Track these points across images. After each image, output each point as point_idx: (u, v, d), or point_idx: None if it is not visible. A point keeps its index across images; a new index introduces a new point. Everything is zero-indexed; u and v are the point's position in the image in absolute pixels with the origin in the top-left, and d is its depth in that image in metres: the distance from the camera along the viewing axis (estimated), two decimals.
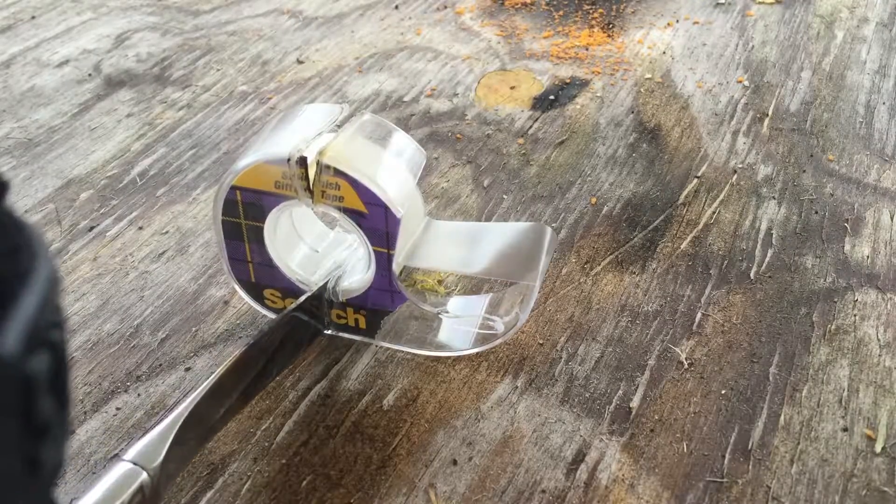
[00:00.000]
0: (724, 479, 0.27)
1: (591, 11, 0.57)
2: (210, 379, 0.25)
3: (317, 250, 0.32)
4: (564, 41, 0.53)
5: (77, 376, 0.31)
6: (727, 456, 0.28)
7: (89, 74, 0.51)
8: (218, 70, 0.51)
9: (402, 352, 0.31)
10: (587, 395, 0.30)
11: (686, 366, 0.31)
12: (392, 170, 0.28)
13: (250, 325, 0.33)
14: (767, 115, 0.46)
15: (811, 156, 0.42)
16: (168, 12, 0.58)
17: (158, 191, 0.41)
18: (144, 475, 0.22)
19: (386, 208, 0.27)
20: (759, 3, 0.58)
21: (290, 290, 0.31)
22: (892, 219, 0.38)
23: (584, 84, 0.49)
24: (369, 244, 0.28)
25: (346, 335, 0.32)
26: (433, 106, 0.47)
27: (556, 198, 0.40)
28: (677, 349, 0.32)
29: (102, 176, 0.42)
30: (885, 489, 0.27)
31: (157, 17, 0.58)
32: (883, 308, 0.33)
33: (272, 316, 0.32)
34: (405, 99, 0.47)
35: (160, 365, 0.31)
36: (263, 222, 0.29)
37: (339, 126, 0.29)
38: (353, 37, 0.55)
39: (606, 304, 0.34)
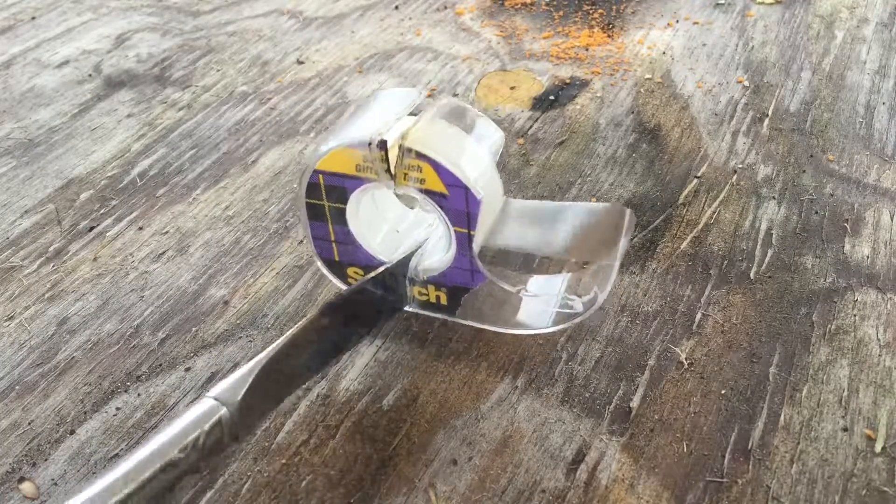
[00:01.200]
0: (724, 479, 0.27)
1: (591, 12, 0.57)
2: (289, 332, 0.26)
3: (397, 230, 0.33)
4: (564, 41, 0.53)
5: (77, 376, 0.31)
6: (727, 456, 0.28)
7: (89, 75, 0.51)
8: (218, 70, 0.51)
9: (484, 329, 0.32)
10: (587, 395, 0.30)
11: (686, 366, 0.31)
12: (472, 152, 0.29)
13: (250, 325, 0.33)
14: (767, 115, 0.46)
15: (811, 156, 0.42)
16: (168, 12, 0.59)
17: (158, 191, 0.41)
18: (224, 410, 0.24)
19: (467, 190, 0.27)
20: (759, 3, 0.58)
21: (373, 268, 0.31)
22: (892, 219, 0.38)
23: (584, 84, 0.49)
24: (450, 225, 0.29)
25: (426, 312, 0.33)
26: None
27: (556, 198, 0.40)
28: (677, 349, 0.32)
29: (102, 176, 0.42)
30: (885, 489, 0.27)
31: (157, 17, 0.58)
32: (883, 308, 0.33)
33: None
34: None
35: (160, 365, 0.31)
36: (345, 204, 0.30)
37: (416, 110, 0.29)
38: (353, 37, 0.55)
39: (606, 304, 0.34)
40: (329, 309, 0.28)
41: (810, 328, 0.33)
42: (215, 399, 0.24)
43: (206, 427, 0.24)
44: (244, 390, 0.25)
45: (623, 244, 0.29)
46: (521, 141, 0.44)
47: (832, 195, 0.40)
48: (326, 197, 0.30)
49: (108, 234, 0.38)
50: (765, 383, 0.30)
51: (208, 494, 0.27)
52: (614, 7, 0.58)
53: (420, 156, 0.27)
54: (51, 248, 0.37)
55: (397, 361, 0.31)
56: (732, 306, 0.33)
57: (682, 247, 0.37)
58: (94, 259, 0.37)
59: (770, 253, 0.36)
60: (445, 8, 0.58)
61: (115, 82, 0.50)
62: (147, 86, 0.50)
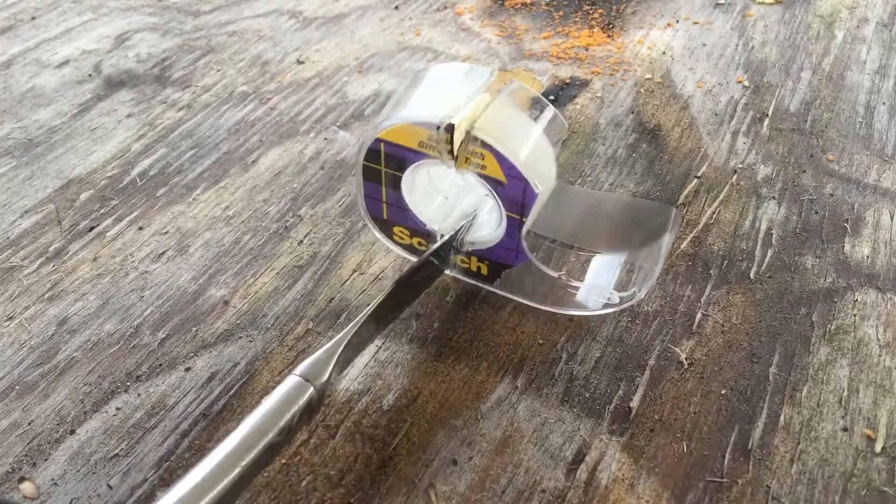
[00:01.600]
0: (724, 479, 0.27)
1: (591, 12, 0.57)
2: (370, 307, 0.28)
3: (447, 196, 0.33)
4: (564, 41, 0.53)
5: (77, 376, 0.31)
6: (727, 456, 0.28)
7: (89, 75, 0.51)
8: (218, 70, 0.51)
9: (517, 302, 0.33)
10: (587, 395, 0.30)
11: (686, 366, 0.31)
12: (535, 143, 0.29)
13: (250, 325, 0.33)
14: (767, 115, 0.46)
15: (811, 156, 0.42)
16: (168, 12, 0.59)
17: (158, 191, 0.41)
18: (312, 389, 0.25)
19: (526, 182, 0.28)
20: (759, 3, 0.58)
21: (419, 231, 0.33)
22: (892, 219, 0.38)
23: (584, 84, 0.49)
24: (503, 209, 0.29)
25: (466, 278, 0.33)
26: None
27: None
28: (677, 349, 0.32)
29: (102, 176, 0.42)
30: (885, 489, 0.27)
31: (157, 17, 0.58)
32: (883, 308, 0.33)
33: (397, 250, 0.35)
34: None
35: (160, 365, 0.31)
36: (402, 173, 0.31)
37: (486, 91, 0.30)
38: (353, 37, 0.55)
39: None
40: (401, 283, 0.30)
41: (810, 328, 0.33)
42: (302, 377, 0.25)
43: (297, 407, 0.24)
44: (330, 368, 0.25)
45: (667, 245, 0.30)
46: None
47: (832, 195, 0.40)
48: (385, 164, 0.31)
49: (108, 234, 0.38)
50: (765, 383, 0.30)
51: None
52: (614, 7, 0.58)
53: (485, 145, 0.28)
54: (51, 248, 0.37)
55: (397, 361, 0.31)
56: (732, 306, 0.33)
57: (682, 247, 0.37)
58: (94, 259, 0.37)
59: (770, 253, 0.36)
60: (445, 8, 0.58)
61: (115, 82, 0.50)
62: (147, 86, 0.50)
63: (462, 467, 0.28)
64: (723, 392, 0.30)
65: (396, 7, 0.58)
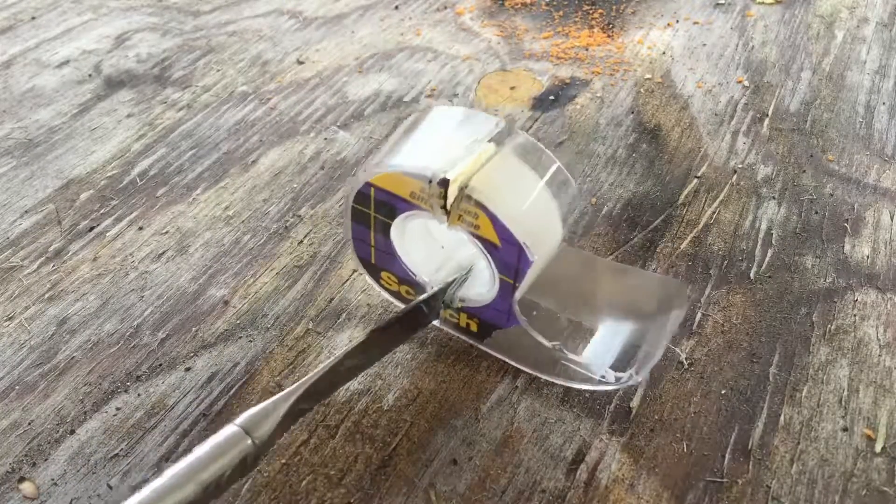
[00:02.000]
0: (724, 479, 0.27)
1: (591, 12, 0.57)
2: (331, 360, 0.25)
3: (442, 246, 0.31)
4: (564, 41, 0.53)
5: (77, 376, 0.31)
6: (727, 456, 0.28)
7: (89, 75, 0.51)
8: (218, 70, 0.51)
9: (504, 363, 0.31)
10: (587, 395, 0.30)
11: (686, 366, 0.31)
12: (537, 206, 0.27)
13: (250, 325, 0.33)
14: (767, 115, 0.46)
15: (811, 156, 0.42)
16: (168, 12, 0.59)
17: (158, 191, 0.41)
18: (249, 442, 0.22)
19: (520, 249, 0.26)
20: (759, 3, 0.58)
21: (408, 280, 0.31)
22: (892, 219, 0.38)
23: (584, 84, 0.49)
24: (496, 271, 0.27)
25: (454, 332, 0.31)
26: (433, 106, 0.47)
27: None
28: (677, 349, 0.32)
29: (102, 176, 0.42)
30: (885, 489, 0.27)
31: (157, 17, 0.58)
32: (883, 308, 0.33)
33: (385, 295, 0.32)
34: (405, 99, 0.47)
35: (160, 365, 0.31)
36: (392, 220, 0.29)
37: (492, 138, 0.27)
38: (353, 37, 0.55)
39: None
40: (375, 334, 0.27)
41: (810, 328, 0.33)
42: (242, 428, 0.23)
43: (230, 458, 0.22)
44: (274, 422, 0.23)
45: (671, 326, 0.27)
46: None
47: (832, 195, 0.40)
48: (375, 209, 0.29)
49: (108, 234, 0.38)
50: (765, 383, 0.30)
51: None
52: (614, 7, 0.58)
53: (479, 204, 0.26)
54: (51, 248, 0.37)
55: (397, 361, 0.31)
56: (732, 306, 0.33)
57: (682, 247, 0.37)
58: (94, 259, 0.37)
59: (770, 253, 0.36)
60: (445, 8, 0.58)
61: (115, 82, 0.50)
62: (147, 86, 0.50)
63: (462, 467, 0.28)
64: (723, 392, 0.30)
65: (396, 7, 0.58)
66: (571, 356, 0.29)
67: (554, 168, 0.28)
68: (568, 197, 0.28)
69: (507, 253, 0.26)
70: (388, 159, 0.27)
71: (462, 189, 0.26)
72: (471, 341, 0.31)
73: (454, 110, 0.29)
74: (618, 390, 0.30)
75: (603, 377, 0.28)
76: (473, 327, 0.30)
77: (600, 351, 0.29)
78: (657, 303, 0.28)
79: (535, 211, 0.27)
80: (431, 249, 0.31)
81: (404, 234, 0.29)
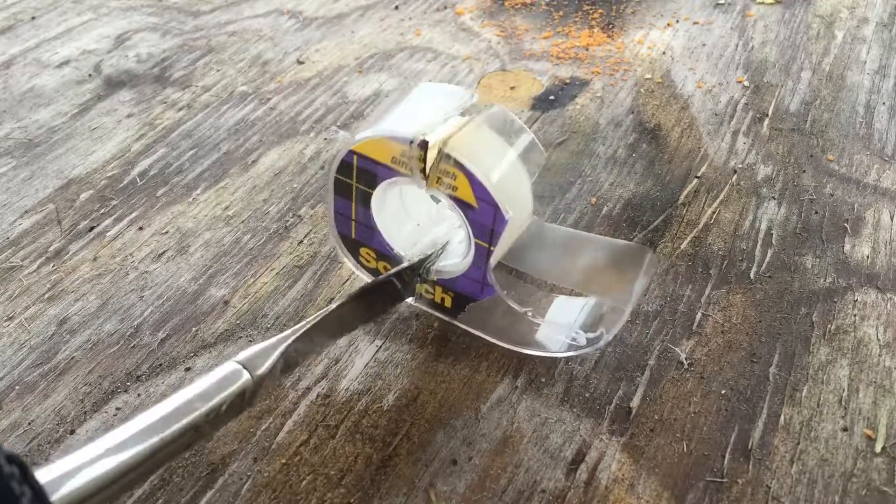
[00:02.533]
0: (724, 479, 0.27)
1: (591, 12, 0.57)
2: (318, 314, 0.27)
3: (419, 224, 0.32)
4: (564, 41, 0.53)
5: (77, 376, 0.31)
6: (727, 456, 0.28)
7: (89, 75, 0.51)
8: (218, 70, 0.51)
9: (481, 339, 0.32)
10: (587, 395, 0.30)
11: (686, 366, 0.31)
12: (510, 168, 0.28)
13: (250, 325, 0.33)
14: (767, 115, 0.46)
15: (811, 156, 0.42)
16: (168, 12, 0.59)
17: (158, 191, 0.41)
18: (248, 377, 0.24)
19: (496, 208, 0.27)
20: (759, 3, 0.58)
21: (386, 254, 0.32)
22: (892, 219, 0.38)
23: (584, 84, 0.49)
24: (472, 236, 0.29)
25: (428, 309, 0.33)
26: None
27: (556, 198, 0.40)
28: (677, 349, 0.32)
29: (102, 176, 0.42)
30: (885, 489, 0.27)
31: (157, 17, 0.58)
32: (883, 308, 0.33)
33: (362, 274, 0.34)
34: None
35: (160, 365, 0.31)
36: (373, 189, 0.30)
37: (465, 113, 0.29)
38: (353, 37, 0.55)
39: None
40: (354, 298, 0.29)
41: (810, 328, 0.33)
42: (241, 364, 0.24)
43: (230, 392, 0.23)
44: (271, 361, 0.25)
45: (638, 288, 0.28)
46: None
47: (832, 195, 0.40)
48: (357, 178, 0.30)
49: (108, 234, 0.38)
50: (765, 383, 0.30)
51: (208, 494, 0.27)
52: (614, 7, 0.58)
53: (457, 164, 0.27)
54: (51, 248, 0.37)
55: (397, 361, 0.31)
56: (732, 306, 0.33)
57: (682, 247, 0.37)
58: (94, 259, 0.37)
59: (770, 253, 0.36)
60: (445, 8, 0.58)
61: (115, 82, 0.50)
62: (147, 86, 0.50)
63: (462, 467, 0.28)
64: (723, 392, 0.30)
65: (396, 7, 0.58)
66: (542, 321, 0.30)
67: (524, 136, 0.29)
68: (536, 164, 0.29)
69: (483, 214, 0.28)
70: (370, 128, 0.28)
71: (441, 150, 0.27)
72: (444, 317, 0.32)
73: (435, 86, 0.31)
74: (618, 391, 0.30)
75: (574, 339, 0.29)
76: (448, 302, 0.32)
77: (568, 315, 0.30)
78: (623, 268, 0.30)
79: (509, 174, 0.28)
80: (408, 226, 0.32)
81: (383, 207, 0.31)
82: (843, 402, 0.30)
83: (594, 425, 0.29)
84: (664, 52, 0.52)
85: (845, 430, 0.29)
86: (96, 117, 0.47)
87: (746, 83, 0.48)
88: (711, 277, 0.35)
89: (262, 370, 0.24)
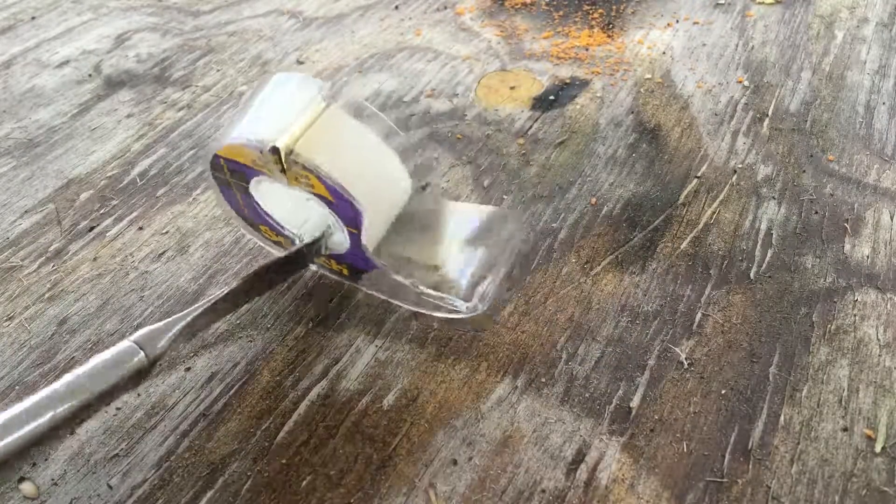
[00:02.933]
0: (724, 479, 0.27)
1: (591, 12, 0.57)
2: (219, 294, 0.29)
3: (308, 199, 0.33)
4: (564, 41, 0.53)
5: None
6: (727, 456, 0.28)
7: (89, 75, 0.51)
8: (218, 70, 0.51)
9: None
10: (587, 395, 0.30)
11: (686, 366, 0.31)
12: (367, 156, 0.29)
13: (250, 325, 0.33)
14: (767, 115, 0.46)
15: (811, 156, 0.42)
16: (168, 12, 0.59)
17: (158, 191, 0.41)
18: (143, 355, 0.25)
19: (352, 201, 0.28)
20: (759, 3, 0.58)
21: (280, 233, 0.33)
22: (892, 219, 0.38)
23: (584, 84, 0.49)
24: (342, 225, 0.30)
25: (331, 275, 0.34)
26: (433, 106, 0.47)
27: (556, 198, 0.40)
28: (677, 349, 0.32)
29: (102, 176, 0.42)
30: (885, 489, 0.27)
31: (157, 17, 0.58)
32: (883, 308, 0.33)
33: (267, 246, 0.35)
34: (405, 99, 0.47)
35: (160, 365, 0.31)
36: (248, 184, 0.31)
37: (322, 102, 0.29)
38: (353, 37, 0.55)
39: (606, 304, 0.34)
40: (259, 274, 0.30)
41: (810, 328, 0.33)
42: (136, 344, 0.25)
43: (125, 370, 0.25)
44: (165, 340, 0.26)
45: (509, 251, 0.30)
46: (520, 141, 0.44)
47: (832, 195, 0.40)
48: (230, 175, 0.31)
49: (108, 234, 0.38)
50: (765, 383, 0.30)
51: (208, 494, 0.27)
52: (614, 7, 0.58)
53: (305, 168, 0.28)
54: (51, 248, 0.37)
55: (397, 361, 0.31)
56: (732, 306, 0.33)
57: (682, 247, 0.37)
58: (94, 259, 0.37)
59: (770, 253, 0.36)
60: (445, 8, 0.58)
61: (115, 82, 0.50)
62: (147, 86, 0.50)
63: (462, 467, 0.28)
64: (723, 392, 0.30)
65: (396, 7, 0.58)
66: (426, 290, 0.31)
67: (367, 128, 0.30)
68: (388, 151, 0.30)
69: (342, 207, 0.29)
70: (230, 131, 0.29)
71: (288, 155, 0.28)
72: (348, 282, 0.34)
73: (289, 76, 0.31)
74: (618, 391, 0.30)
75: (454, 305, 0.30)
76: (345, 271, 0.33)
77: (452, 282, 0.31)
78: (497, 233, 0.31)
79: (367, 163, 0.29)
80: (297, 203, 0.32)
81: (265, 194, 0.32)
82: (843, 402, 0.30)
83: (594, 425, 0.29)
84: (664, 52, 0.52)
85: (845, 430, 0.29)
86: (96, 117, 0.47)
87: (746, 83, 0.48)
88: (711, 277, 0.35)
89: (156, 348, 0.26)
